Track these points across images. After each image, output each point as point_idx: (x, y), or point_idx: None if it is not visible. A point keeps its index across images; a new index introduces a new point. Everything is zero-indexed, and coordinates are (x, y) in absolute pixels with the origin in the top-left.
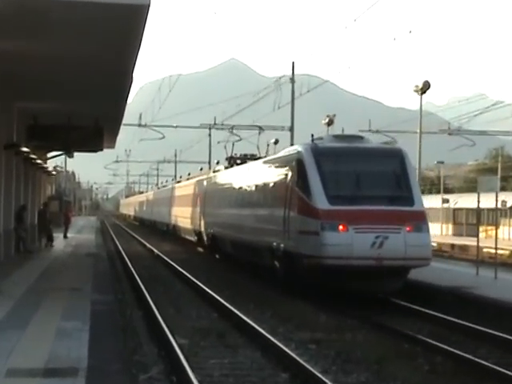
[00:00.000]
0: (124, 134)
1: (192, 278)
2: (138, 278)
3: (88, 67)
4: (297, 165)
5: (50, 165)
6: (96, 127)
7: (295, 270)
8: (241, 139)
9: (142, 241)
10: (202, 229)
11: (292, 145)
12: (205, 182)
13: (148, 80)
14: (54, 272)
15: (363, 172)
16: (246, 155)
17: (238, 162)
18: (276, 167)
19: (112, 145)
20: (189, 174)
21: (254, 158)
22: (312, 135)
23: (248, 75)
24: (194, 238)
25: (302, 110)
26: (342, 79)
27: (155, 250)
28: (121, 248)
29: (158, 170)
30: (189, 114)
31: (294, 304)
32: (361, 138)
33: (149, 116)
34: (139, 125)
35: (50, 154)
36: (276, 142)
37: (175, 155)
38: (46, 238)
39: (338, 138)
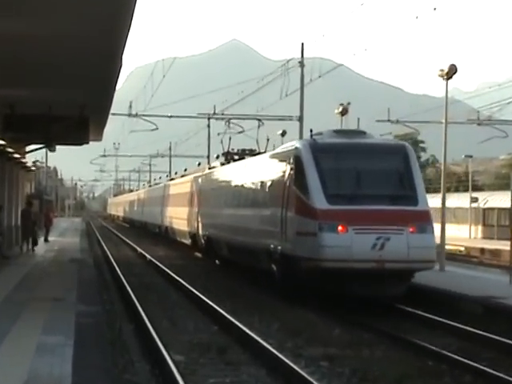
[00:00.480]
0: (112, 125)
1: (188, 286)
2: (128, 286)
3: (71, 49)
4: (294, 162)
5: (29, 159)
6: (81, 117)
7: (293, 273)
8: (243, 131)
9: (133, 245)
10: (197, 231)
11: (301, 137)
12: (199, 180)
13: (139, 64)
14: (34, 280)
15: (364, 169)
16: (244, 150)
17: (236, 157)
18: (273, 164)
19: (99, 137)
20: (185, 170)
21: (252, 153)
22: (311, 130)
23: (252, 58)
24: (188, 241)
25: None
26: (357, 63)
27: (147, 255)
28: (109, 253)
29: (150, 165)
30: (185, 103)
31: (302, 314)
32: (363, 133)
33: (140, 104)
34: (129, 114)
35: (28, 148)
36: (283, 134)
37: (170, 149)
38: (30, 241)
39: (338, 133)
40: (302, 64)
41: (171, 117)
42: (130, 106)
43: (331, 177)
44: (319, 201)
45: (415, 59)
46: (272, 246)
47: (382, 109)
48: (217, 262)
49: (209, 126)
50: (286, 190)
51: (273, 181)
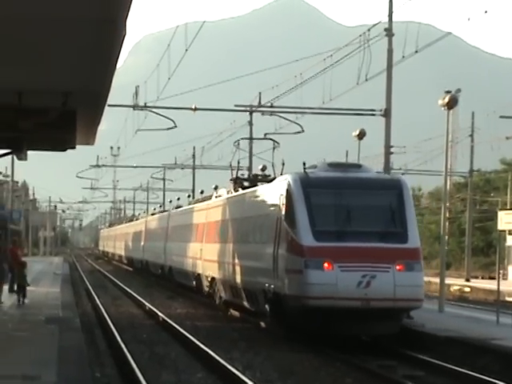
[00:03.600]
0: (110, 122)
1: (221, 360)
2: (131, 359)
3: (53, 9)
4: (285, 197)
5: None
6: (64, 110)
7: (282, 312)
8: (276, 146)
9: (139, 298)
10: (201, 271)
11: (388, 139)
12: (203, 211)
13: (148, 31)
14: None
15: (354, 205)
16: (256, 176)
17: (246, 184)
18: (268, 198)
19: (90, 139)
20: (201, 193)
21: (266, 179)
22: (304, 163)
23: (314, 23)
24: (192, 284)
25: (403, 81)
26: (473, 31)
27: (159, 313)
28: (103, 309)
29: (164, 180)
30: (216, 89)
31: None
32: (358, 166)
33: (150, 91)
34: (134, 106)
35: None
36: (362, 137)
37: (193, 156)
38: None
39: (332, 166)
40: (389, 32)
41: (196, 109)
42: (136, 94)
43: (320, 213)
44: (306, 237)
45: None
46: (266, 285)
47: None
48: (262, 324)
49: (251, 122)
50: (277, 226)
51: (267, 216)
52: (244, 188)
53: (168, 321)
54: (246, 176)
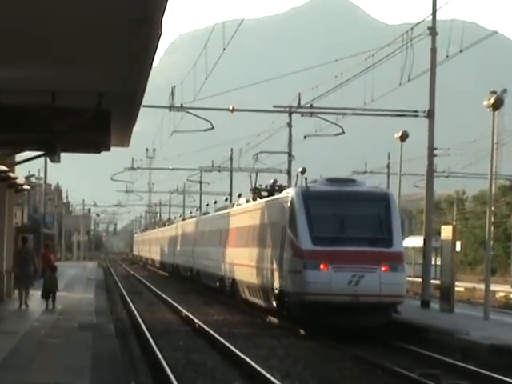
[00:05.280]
0: (145, 124)
1: (259, 368)
2: (167, 367)
3: (89, 8)
4: (289, 207)
5: (20, 174)
6: (99, 111)
7: (287, 307)
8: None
9: (174, 304)
10: (223, 273)
11: (430, 141)
12: (227, 218)
13: (184, 30)
14: (26, 356)
15: (347, 215)
16: (273, 186)
17: (264, 194)
18: (276, 208)
19: (125, 141)
20: (239, 196)
21: (282, 189)
22: (306, 179)
23: (355, 21)
24: (216, 286)
25: (447, 80)
26: None
27: (196, 320)
28: (138, 316)
29: (201, 183)
30: (254, 89)
31: None
32: (353, 181)
33: (187, 92)
34: (170, 107)
35: (19, 157)
36: (404, 139)
37: (231, 158)
38: (25, 292)
39: (330, 181)
40: (433, 31)
41: (234, 110)
42: (172, 94)
43: (318, 221)
44: (305, 242)
45: None
46: (274, 283)
47: None
48: (301, 332)
49: (290, 124)
50: (283, 233)
51: (275, 223)
52: (262, 197)
53: (204, 327)
54: (264, 186)
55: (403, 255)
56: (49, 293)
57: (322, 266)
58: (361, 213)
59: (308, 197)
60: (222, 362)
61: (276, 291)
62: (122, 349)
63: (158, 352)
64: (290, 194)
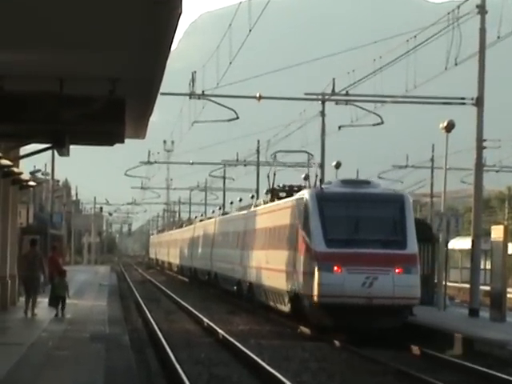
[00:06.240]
0: (163, 113)
1: None
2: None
3: None
4: (303, 209)
5: (25, 169)
6: (112, 99)
7: (299, 310)
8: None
9: (195, 312)
10: (241, 277)
11: (479, 132)
12: (244, 220)
13: (206, 9)
14: (32, 370)
15: (362, 217)
16: (291, 187)
17: (282, 195)
18: (291, 210)
19: (140, 132)
20: (267, 193)
21: (300, 189)
22: (320, 180)
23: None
24: (233, 289)
25: (498, 64)
26: None
27: (219, 330)
28: (155, 324)
29: (224, 178)
30: (284, 74)
31: None
32: (367, 182)
33: (209, 78)
34: (191, 94)
35: (24, 150)
36: (450, 129)
37: (257, 151)
38: (33, 299)
39: (345, 182)
40: (482, 9)
41: (261, 98)
42: (193, 81)
43: (332, 223)
44: (319, 244)
45: None
46: (289, 286)
47: None
48: (337, 343)
49: (323, 113)
50: (297, 235)
51: (291, 225)
52: (279, 198)
53: (229, 338)
54: (281, 187)
55: (417, 257)
56: (58, 300)
57: (335, 268)
58: (375, 215)
59: (322, 199)
60: (249, 376)
61: (291, 294)
62: (137, 362)
63: (177, 366)
64: (304, 195)
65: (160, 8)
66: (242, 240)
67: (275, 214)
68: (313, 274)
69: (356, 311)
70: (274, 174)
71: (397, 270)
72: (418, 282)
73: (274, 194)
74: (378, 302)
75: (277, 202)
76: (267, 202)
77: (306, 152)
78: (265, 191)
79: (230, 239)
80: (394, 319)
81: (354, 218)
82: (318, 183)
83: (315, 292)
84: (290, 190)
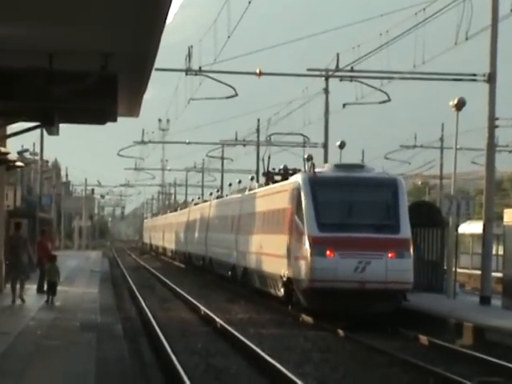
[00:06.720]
0: (158, 90)
1: (291, 376)
2: (184, 375)
3: None
4: (296, 194)
5: (13, 148)
6: (104, 75)
7: (292, 294)
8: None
9: (192, 300)
10: (235, 261)
11: (491, 110)
12: (239, 204)
13: None
14: (20, 361)
15: (355, 201)
16: (286, 170)
17: (278, 178)
18: (285, 194)
19: (134, 110)
20: (252, 179)
21: (295, 172)
22: (313, 164)
23: None
24: (228, 274)
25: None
26: None
27: (217, 319)
28: (149, 313)
29: (222, 159)
30: (285, 49)
31: None
32: (361, 166)
33: (206, 52)
34: (187, 70)
35: (11, 128)
36: (461, 107)
37: (257, 130)
38: (20, 285)
39: (338, 167)
40: None
41: (261, 74)
42: (189, 56)
43: (325, 207)
44: (312, 229)
45: None
46: (282, 270)
47: None
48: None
49: (326, 90)
50: (291, 219)
51: (284, 210)
52: (274, 182)
53: (227, 328)
54: (276, 170)
55: (410, 241)
56: (49, 286)
57: (328, 253)
58: (368, 199)
59: (315, 183)
60: (248, 367)
61: (284, 278)
62: (130, 353)
63: (173, 356)
64: (297, 179)
65: None
66: (236, 224)
67: (269, 198)
68: (305, 258)
69: (349, 296)
70: (269, 157)
71: (390, 255)
72: (411, 267)
73: (270, 177)
74: (370, 287)
75: (271, 185)
76: (262, 186)
77: (302, 135)
78: (262, 173)
79: (225, 223)
80: (387, 304)
81: (346, 203)
82: (311, 167)
83: (308, 276)
84: (285, 173)
